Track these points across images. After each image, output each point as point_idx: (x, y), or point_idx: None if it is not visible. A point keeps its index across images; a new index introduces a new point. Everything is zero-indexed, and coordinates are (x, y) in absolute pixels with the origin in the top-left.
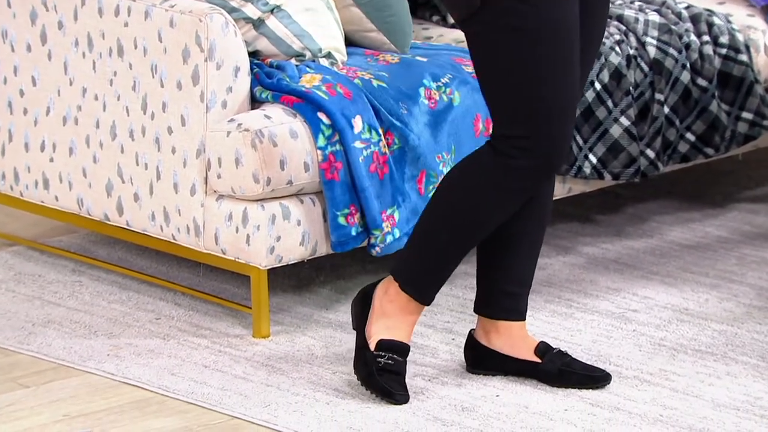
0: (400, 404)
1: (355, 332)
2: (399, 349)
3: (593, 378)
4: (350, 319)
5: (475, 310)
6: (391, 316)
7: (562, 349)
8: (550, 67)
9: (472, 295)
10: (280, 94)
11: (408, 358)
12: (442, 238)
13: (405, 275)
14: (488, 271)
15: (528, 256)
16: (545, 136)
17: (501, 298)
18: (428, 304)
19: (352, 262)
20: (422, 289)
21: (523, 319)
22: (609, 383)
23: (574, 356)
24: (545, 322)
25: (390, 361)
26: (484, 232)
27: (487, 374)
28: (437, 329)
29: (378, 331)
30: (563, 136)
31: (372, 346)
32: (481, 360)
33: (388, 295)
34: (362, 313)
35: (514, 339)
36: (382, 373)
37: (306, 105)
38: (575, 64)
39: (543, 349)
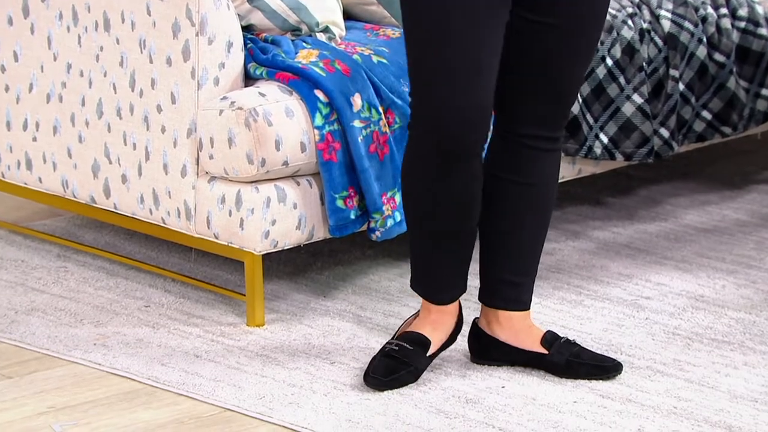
0: (372, 388)
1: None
2: (412, 339)
3: (603, 368)
4: (348, 306)
5: (479, 298)
6: (422, 311)
7: (571, 338)
8: (429, 33)
9: (476, 283)
10: (275, 71)
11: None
12: (416, 233)
13: (412, 273)
14: (488, 259)
15: (529, 246)
16: (426, 101)
17: (501, 288)
18: (442, 304)
19: (351, 248)
20: (426, 287)
21: (526, 309)
22: (620, 373)
23: (583, 345)
24: (554, 310)
25: (395, 347)
26: (449, 219)
27: (493, 365)
28: None
29: (408, 323)
30: (451, 107)
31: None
32: (485, 350)
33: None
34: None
35: (517, 330)
36: (380, 354)
37: (302, 82)
38: (465, 34)
39: (549, 339)
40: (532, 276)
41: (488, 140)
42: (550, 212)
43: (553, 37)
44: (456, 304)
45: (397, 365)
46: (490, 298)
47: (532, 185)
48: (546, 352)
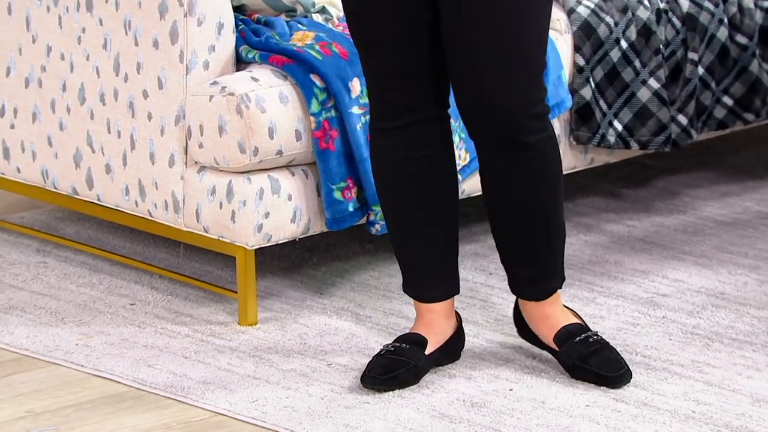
0: (369, 388)
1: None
2: (407, 339)
3: (606, 379)
4: (346, 304)
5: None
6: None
7: (592, 334)
8: (357, 41)
9: (483, 278)
10: (269, 54)
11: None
12: (393, 227)
13: (402, 275)
14: (500, 252)
15: (523, 241)
16: (370, 91)
17: (511, 277)
18: (429, 301)
19: (349, 242)
20: (412, 285)
21: (539, 299)
22: (627, 383)
23: (607, 342)
24: None
25: (391, 348)
26: (418, 211)
27: (533, 344)
28: None
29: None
30: (381, 99)
31: None
32: (523, 328)
33: None
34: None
35: (534, 318)
36: (376, 357)
37: (297, 66)
38: (384, 44)
39: (563, 336)
40: (542, 266)
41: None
42: (547, 207)
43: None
44: (447, 307)
45: (395, 364)
46: (509, 284)
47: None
48: (557, 348)
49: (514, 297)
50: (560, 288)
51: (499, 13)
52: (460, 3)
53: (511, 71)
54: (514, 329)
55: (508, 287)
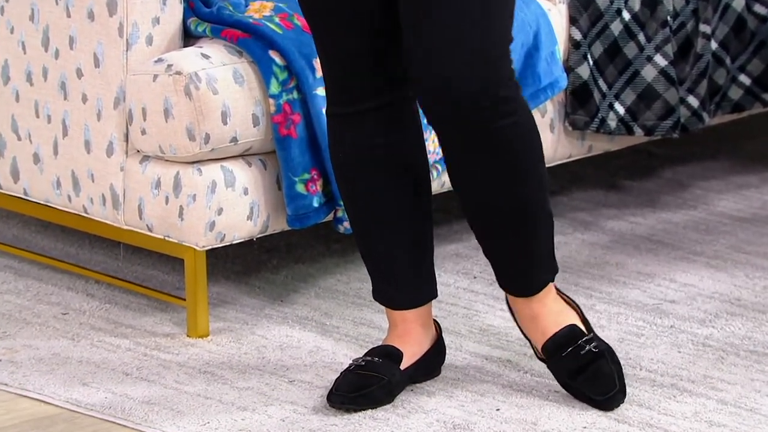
0: (336, 407)
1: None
2: (379, 352)
3: (594, 402)
4: (310, 313)
5: None
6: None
7: (584, 344)
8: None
9: (465, 283)
10: (221, 28)
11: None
12: (355, 225)
13: (371, 281)
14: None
15: (496, 233)
16: (326, 73)
17: (493, 268)
18: (400, 308)
19: (314, 242)
20: (382, 291)
21: (523, 295)
22: (618, 406)
23: (597, 351)
24: None
25: (361, 362)
26: (386, 205)
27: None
28: None
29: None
30: (340, 79)
31: None
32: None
33: None
34: None
35: (523, 316)
36: (344, 373)
37: (254, 41)
38: (330, 38)
39: (551, 349)
40: (526, 260)
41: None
42: (526, 195)
43: None
44: (423, 314)
45: (366, 380)
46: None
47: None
48: (546, 359)
49: (500, 305)
50: (551, 281)
51: None
52: None
53: (468, 47)
54: (501, 340)
55: (493, 293)
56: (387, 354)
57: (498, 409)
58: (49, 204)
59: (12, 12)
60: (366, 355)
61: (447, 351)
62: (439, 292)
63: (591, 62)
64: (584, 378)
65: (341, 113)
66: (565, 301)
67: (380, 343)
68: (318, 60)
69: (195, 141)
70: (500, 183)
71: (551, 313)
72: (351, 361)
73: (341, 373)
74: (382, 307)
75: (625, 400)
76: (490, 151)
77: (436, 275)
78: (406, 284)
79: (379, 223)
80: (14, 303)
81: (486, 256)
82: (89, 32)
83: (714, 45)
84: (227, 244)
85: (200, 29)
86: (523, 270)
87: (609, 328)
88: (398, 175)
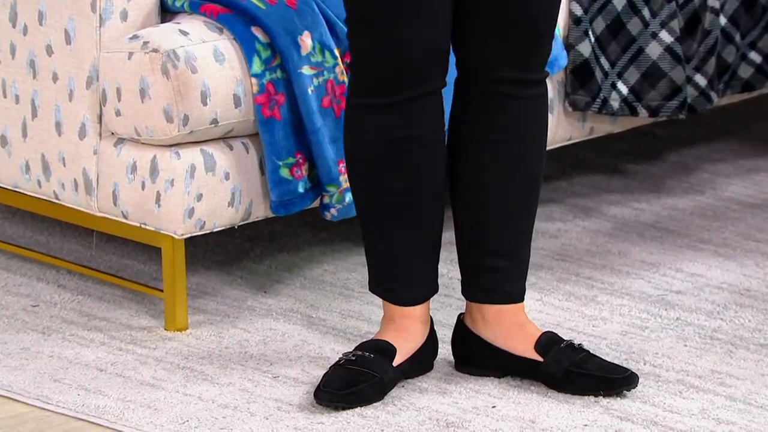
0: (324, 405)
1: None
2: (373, 347)
3: (610, 381)
4: (295, 305)
5: (462, 292)
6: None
7: (577, 343)
8: None
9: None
10: (201, 2)
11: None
12: (367, 214)
13: (369, 271)
14: (461, 240)
15: (508, 219)
16: (365, 42)
17: (480, 275)
18: (404, 305)
19: (299, 230)
20: (385, 284)
21: (513, 301)
22: (634, 387)
23: (593, 352)
24: (558, 309)
25: (352, 357)
26: (403, 189)
27: (481, 374)
28: None
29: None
30: (394, 48)
31: None
32: (471, 354)
33: None
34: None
35: (507, 328)
36: (334, 368)
37: (235, 17)
38: None
39: (546, 342)
40: (519, 259)
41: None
42: (535, 178)
43: None
44: (425, 311)
45: (356, 376)
46: (468, 289)
47: (505, 142)
48: (540, 359)
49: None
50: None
51: None
52: None
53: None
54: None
55: None
56: (380, 349)
57: (494, 406)
58: (17, 189)
59: None
60: (356, 349)
61: (440, 344)
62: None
63: (592, 39)
64: (596, 364)
65: (382, 104)
66: None
67: (372, 336)
68: (303, 37)
69: (173, 123)
70: (523, 159)
71: (529, 319)
72: (341, 356)
73: (330, 368)
74: (372, 299)
75: (628, 396)
76: (525, 121)
77: None
78: (414, 280)
79: (399, 219)
80: None
81: (473, 253)
82: (60, 7)
83: (723, 20)
84: (207, 232)
85: (178, 4)
86: (521, 270)
87: (611, 320)
88: (430, 167)
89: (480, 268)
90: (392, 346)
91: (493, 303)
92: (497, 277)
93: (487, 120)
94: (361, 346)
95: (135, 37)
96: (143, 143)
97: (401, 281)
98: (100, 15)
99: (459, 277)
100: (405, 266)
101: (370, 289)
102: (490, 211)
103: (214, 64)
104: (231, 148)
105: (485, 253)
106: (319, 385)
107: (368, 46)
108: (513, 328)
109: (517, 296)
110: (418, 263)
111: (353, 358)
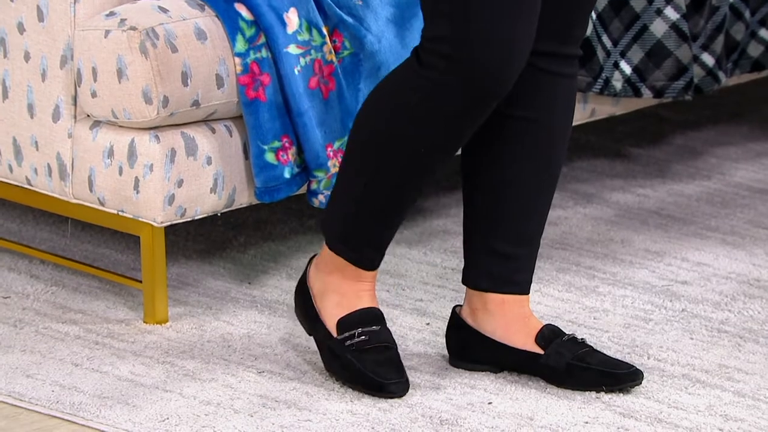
0: (398, 397)
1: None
2: (367, 318)
3: (614, 376)
4: (281, 296)
5: (463, 281)
6: (337, 290)
7: (579, 336)
8: None
9: (455, 262)
10: None
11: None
12: (363, 180)
13: (331, 228)
14: (473, 223)
15: (527, 203)
16: (465, 37)
17: (490, 261)
18: (369, 269)
19: (286, 217)
20: (354, 246)
21: (523, 292)
22: (639, 383)
23: (595, 346)
24: (558, 300)
25: (363, 336)
26: (419, 173)
27: (476, 369)
28: (405, 310)
29: (330, 313)
30: (493, 41)
31: (333, 333)
32: (467, 348)
33: (322, 265)
34: (306, 309)
35: (509, 320)
36: (361, 356)
37: None
38: None
39: (547, 335)
40: (533, 247)
41: None
42: (558, 161)
43: None
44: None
45: (389, 354)
46: (475, 276)
47: (533, 121)
48: (541, 351)
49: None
50: None
51: None
52: None
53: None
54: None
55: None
56: (377, 318)
57: (490, 403)
58: None
59: None
60: (362, 325)
61: (435, 339)
62: (424, 273)
63: (594, 16)
64: (598, 359)
65: (459, 93)
66: None
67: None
68: (289, 14)
69: (152, 104)
70: (548, 142)
71: (532, 312)
72: (349, 343)
73: (365, 355)
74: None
75: (632, 392)
76: (558, 98)
77: (422, 253)
78: (384, 245)
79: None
80: None
81: (486, 239)
82: None
83: None
84: (188, 219)
85: None
86: (533, 261)
87: (613, 312)
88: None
89: (492, 253)
90: (377, 310)
91: (500, 292)
92: (510, 265)
93: (518, 95)
94: (356, 322)
95: (112, 14)
96: (120, 126)
97: (372, 242)
98: None
99: (454, 267)
100: (384, 233)
101: (328, 246)
102: (509, 194)
103: (196, 42)
104: (213, 131)
105: (501, 236)
106: (377, 382)
107: (484, 36)
108: (515, 319)
109: (526, 287)
110: (393, 229)
111: (365, 337)
